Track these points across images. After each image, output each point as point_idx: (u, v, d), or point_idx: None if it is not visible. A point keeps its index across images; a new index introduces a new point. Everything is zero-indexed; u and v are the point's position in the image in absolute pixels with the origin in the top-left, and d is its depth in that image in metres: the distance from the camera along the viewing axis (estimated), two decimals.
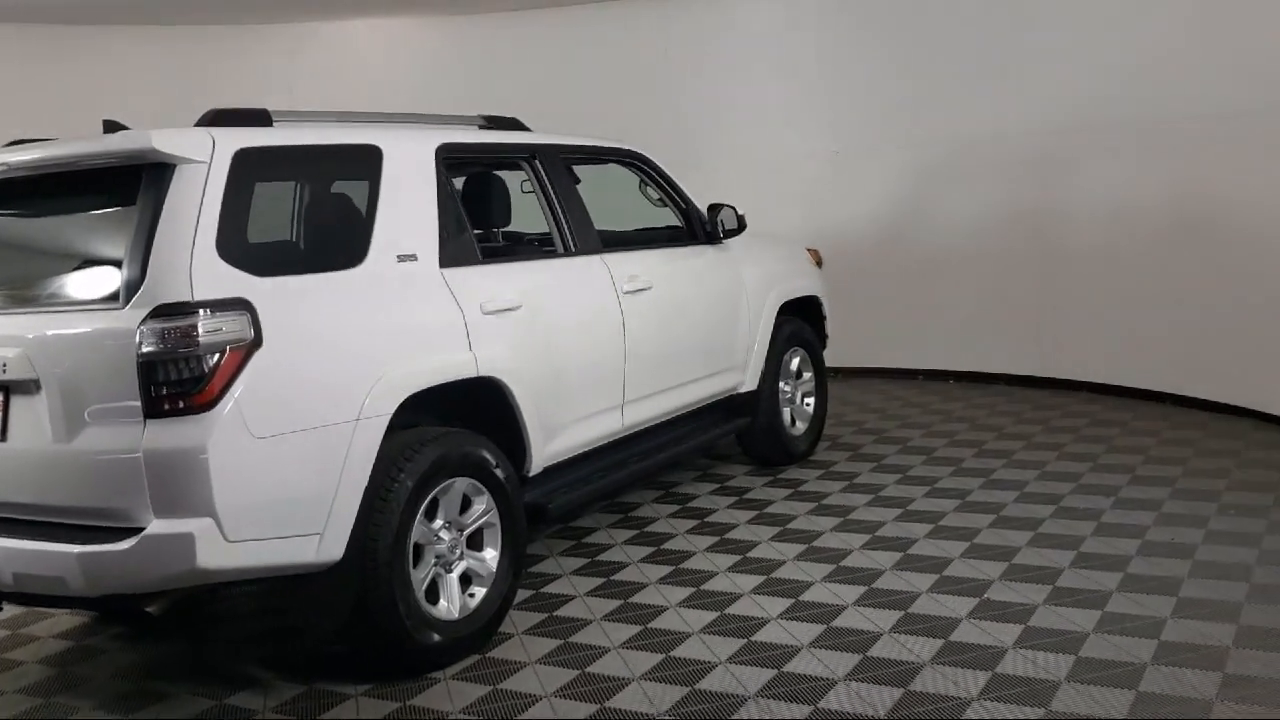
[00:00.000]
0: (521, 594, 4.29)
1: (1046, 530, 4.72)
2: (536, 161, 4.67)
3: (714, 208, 5.51)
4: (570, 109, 8.78)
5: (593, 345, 4.55)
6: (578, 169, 5.66)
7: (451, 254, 4.04)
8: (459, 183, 4.84)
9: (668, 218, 5.63)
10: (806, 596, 4.16)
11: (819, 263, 6.64)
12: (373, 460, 3.54)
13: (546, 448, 4.32)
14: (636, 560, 4.68)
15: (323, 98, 8.48)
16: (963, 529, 4.81)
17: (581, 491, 4.54)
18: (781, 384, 6.08)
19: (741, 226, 5.55)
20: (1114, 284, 7.23)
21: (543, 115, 8.66)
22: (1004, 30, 7.68)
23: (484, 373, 3.95)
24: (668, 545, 4.86)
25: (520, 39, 9.17)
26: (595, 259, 4.70)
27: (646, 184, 5.45)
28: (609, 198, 5.88)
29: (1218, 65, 6.44)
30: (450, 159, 4.22)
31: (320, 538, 3.44)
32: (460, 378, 3.87)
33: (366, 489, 3.53)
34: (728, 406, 5.74)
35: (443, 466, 3.76)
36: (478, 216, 4.60)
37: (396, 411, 3.62)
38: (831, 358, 8.69)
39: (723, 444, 6.07)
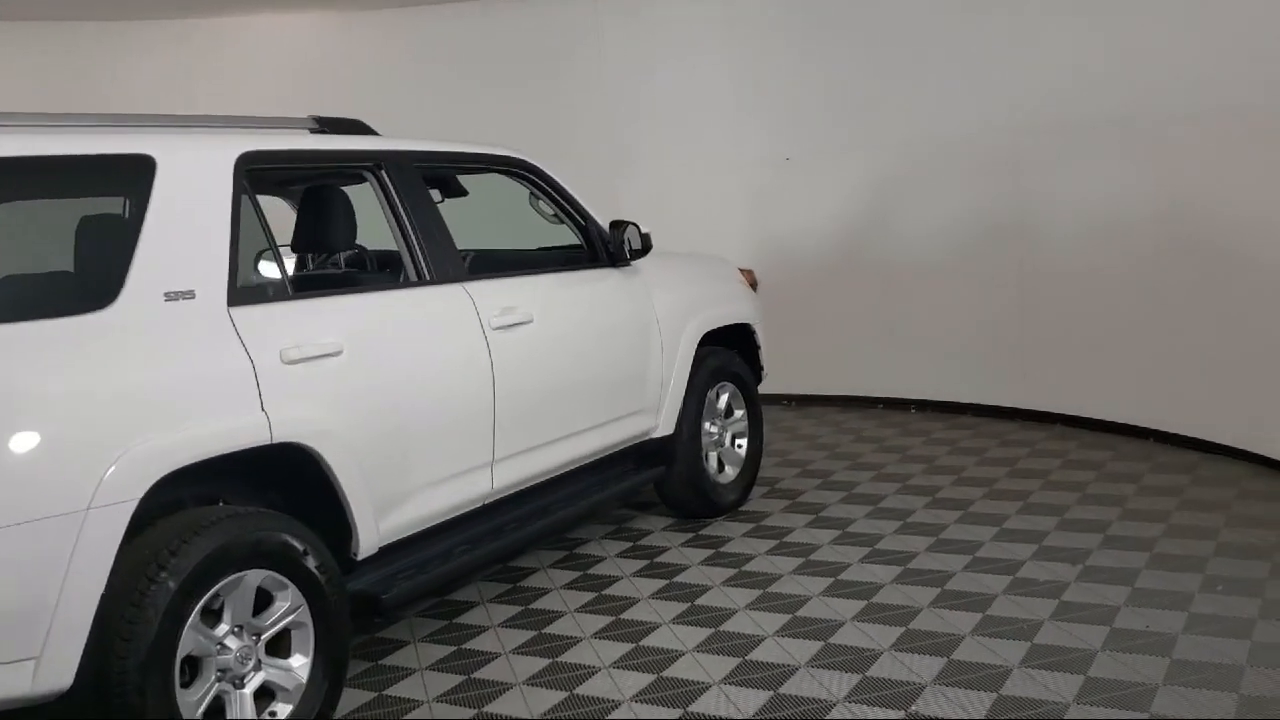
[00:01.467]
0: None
1: (997, 611, 3.94)
2: (382, 172, 3.89)
3: (617, 225, 4.74)
4: (492, 112, 8.02)
5: (447, 395, 3.77)
6: (467, 182, 4.93)
7: (247, 289, 3.27)
8: (290, 199, 4.08)
9: (571, 236, 4.87)
10: (700, 707, 3.39)
11: (754, 285, 5.87)
12: (110, 559, 2.76)
13: (383, 523, 3.54)
14: (506, 646, 3.91)
15: (222, 99, 7.72)
16: (897, 608, 4.03)
17: (434, 573, 3.75)
18: (707, 425, 5.31)
19: (646, 247, 4.77)
20: (1094, 305, 6.45)
21: (463, 118, 7.93)
22: (971, 19, 6.90)
23: (282, 438, 3.17)
24: (550, 629, 4.08)
25: (440, 35, 8.39)
26: (455, 289, 3.92)
27: (538, 197, 4.68)
28: (504, 215, 5.13)
29: (1216, 54, 5.64)
30: (257, 171, 3.45)
31: (37, 663, 2.67)
32: (246, 446, 3.09)
33: (104, 596, 2.76)
34: (639, 455, 4.97)
35: (223, 559, 2.98)
36: (307, 239, 3.85)
37: (176, 491, 2.92)
38: (784, 384, 7.99)
39: (645, 491, 5.30)
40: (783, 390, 8.00)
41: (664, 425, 4.96)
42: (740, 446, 5.54)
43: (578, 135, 8.21)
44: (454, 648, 3.98)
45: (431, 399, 3.69)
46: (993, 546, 4.62)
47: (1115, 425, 6.41)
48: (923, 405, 7.50)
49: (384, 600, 3.53)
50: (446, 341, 3.80)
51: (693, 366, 5.11)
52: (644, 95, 8.16)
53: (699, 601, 4.24)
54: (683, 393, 5.03)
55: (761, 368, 5.74)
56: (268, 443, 3.13)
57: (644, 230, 4.73)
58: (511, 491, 4.14)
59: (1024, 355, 6.92)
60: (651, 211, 7.99)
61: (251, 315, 3.20)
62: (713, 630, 3.96)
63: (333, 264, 4.48)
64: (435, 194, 4.91)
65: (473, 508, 3.97)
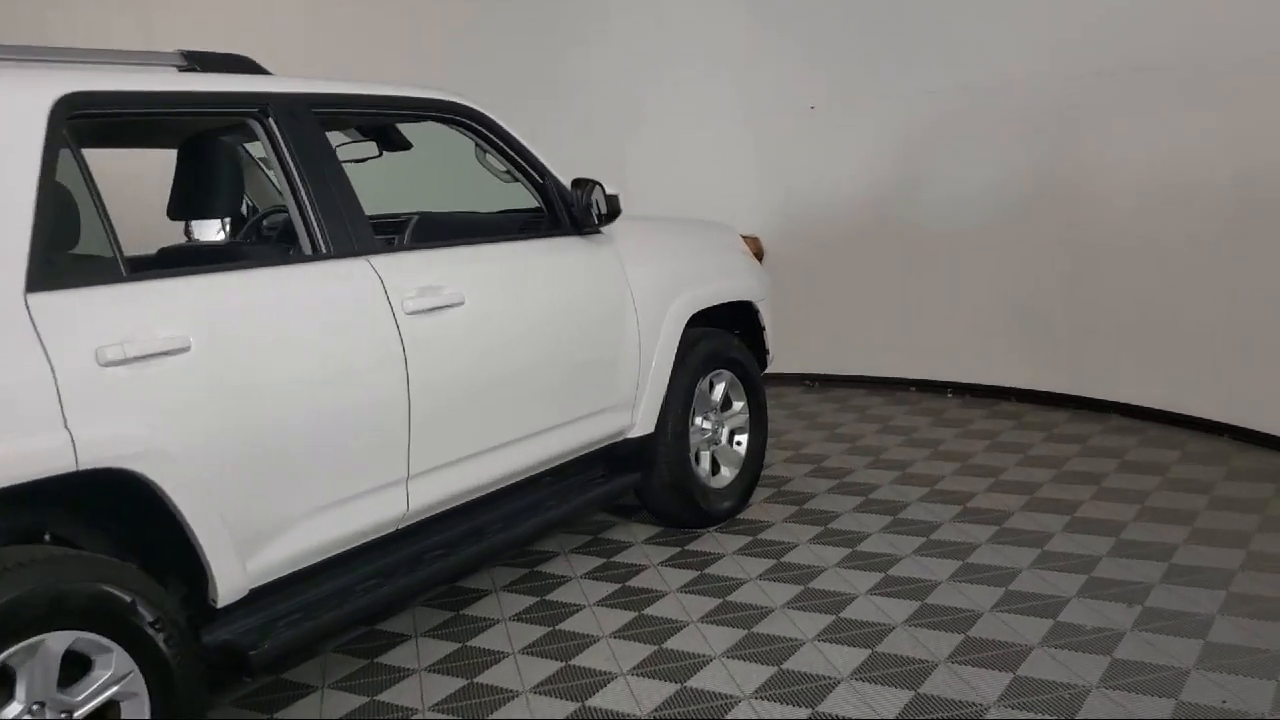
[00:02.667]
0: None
1: (1033, 672, 3.15)
2: (269, 120, 3.14)
3: (579, 184, 3.95)
4: (481, 63, 7.23)
5: (340, 398, 3.02)
6: (410, 132, 4.18)
7: (57, 269, 2.55)
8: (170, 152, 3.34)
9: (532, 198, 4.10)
10: None
11: (759, 255, 5.06)
12: None
13: (253, 561, 2.83)
14: (428, 700, 3.20)
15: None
16: (908, 661, 3.25)
17: (326, 617, 3.03)
18: (698, 421, 4.54)
19: (612, 211, 3.98)
20: (1157, 279, 5.56)
21: (446, 69, 7.07)
22: None
23: (94, 463, 2.45)
24: (487, 676, 3.36)
25: None
26: (357, 265, 3.17)
27: (485, 151, 3.91)
28: (472, 174, 4.37)
29: None
30: (85, 117, 2.72)
31: None
32: (37, 476, 2.38)
33: None
34: (612, 459, 4.21)
35: (9, 619, 2.29)
36: (180, 204, 3.13)
37: None
38: (806, 363, 7.18)
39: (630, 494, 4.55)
40: (804, 369, 7.20)
41: (642, 423, 4.20)
42: (739, 444, 4.76)
43: (581, 88, 7.40)
44: (367, 698, 3.28)
45: (318, 405, 2.96)
46: (1030, 576, 3.82)
47: (1183, 418, 5.53)
48: (961, 389, 6.66)
49: (252, 657, 2.82)
50: (341, 331, 3.05)
51: (679, 353, 4.33)
52: (654, 41, 7.31)
53: (668, 644, 3.50)
54: (665, 384, 4.26)
55: (767, 352, 4.95)
56: (72, 469, 2.42)
57: (609, 191, 3.93)
58: (437, 511, 3.41)
59: (1075, 335, 6.04)
60: (659, 173, 7.23)
61: (56, 304, 2.48)
62: (679, 686, 3.22)
63: (243, 235, 3.76)
64: (372, 148, 4.19)
65: (383, 533, 3.24)
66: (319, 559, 3.05)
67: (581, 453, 3.99)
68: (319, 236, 3.13)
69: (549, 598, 3.94)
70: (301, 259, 3.12)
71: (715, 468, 4.65)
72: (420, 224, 4.23)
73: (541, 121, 7.13)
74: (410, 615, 3.85)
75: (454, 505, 3.47)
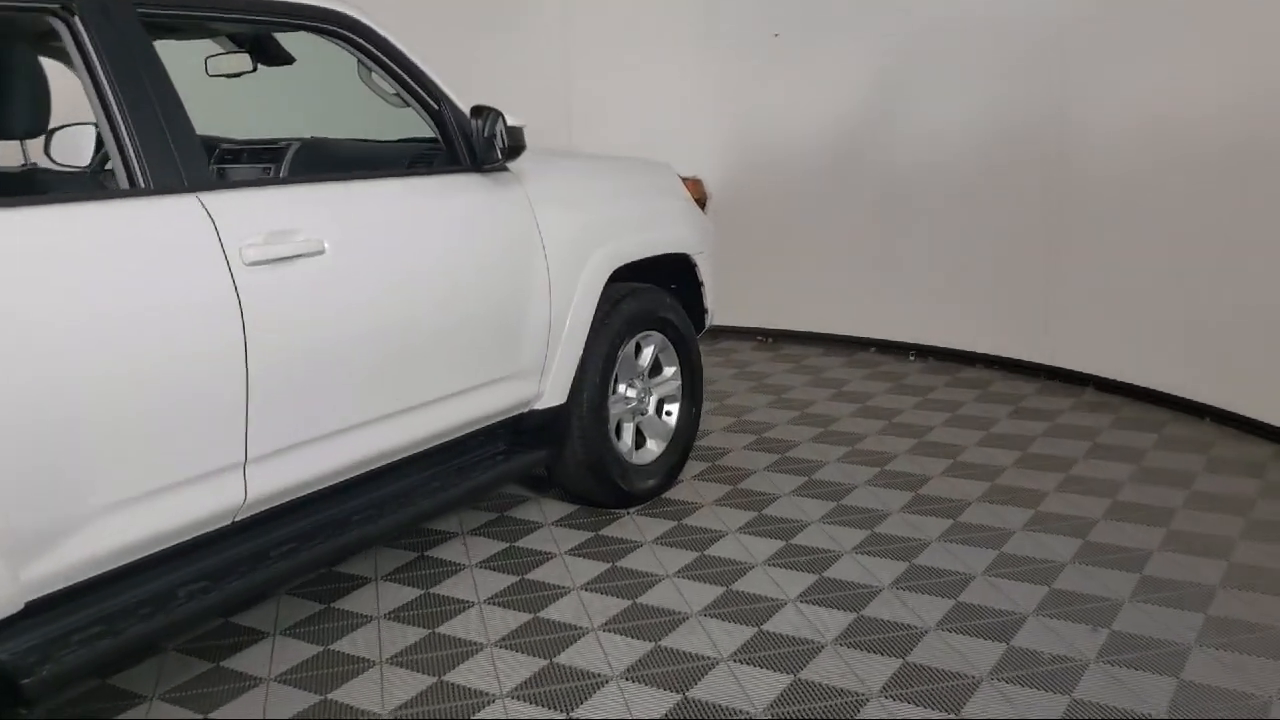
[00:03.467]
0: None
1: (986, 697, 2.68)
2: (78, 20, 2.53)
3: (479, 111, 3.36)
4: None
5: (152, 367, 2.47)
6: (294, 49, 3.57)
7: None
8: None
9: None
10: None
11: (702, 201, 4.50)
12: None
13: (28, 567, 2.29)
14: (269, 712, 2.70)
15: None
16: (837, 693, 2.77)
17: (130, 633, 2.49)
18: (621, 388, 4.02)
19: (516, 146, 3.39)
20: (1145, 240, 5.05)
21: None
22: None
23: None
24: (345, 692, 2.86)
25: None
26: (182, 204, 2.59)
27: (369, 69, 3.31)
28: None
29: None
30: None
31: None
32: None
33: None
34: (515, 433, 3.69)
35: None
36: None
37: None
38: (760, 317, 6.67)
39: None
40: (758, 323, 6.68)
41: (552, 393, 3.67)
42: (669, 415, 4.25)
43: (523, 11, 6.75)
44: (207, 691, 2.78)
45: (121, 377, 2.40)
46: (982, 585, 3.34)
47: (1163, 396, 5.06)
48: (925, 352, 6.16)
49: (25, 686, 2.29)
50: (154, 285, 2.48)
51: (599, 312, 3.79)
52: None
53: (560, 658, 3.00)
54: (581, 349, 3.73)
55: (706, 312, 4.41)
56: None
57: (511, 122, 3.35)
58: (287, 500, 2.88)
59: (1051, 300, 5.53)
60: (606, 109, 6.63)
61: None
62: (564, 718, 2.73)
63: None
64: (247, 61, 3.59)
65: (215, 528, 2.71)
66: (128, 561, 2.52)
67: (476, 428, 3.46)
68: (136, 168, 2.54)
69: (435, 590, 3.44)
70: (110, 194, 2.55)
71: (640, 441, 4.14)
72: (303, 153, 3.66)
73: (477, 52, 6.50)
74: (273, 606, 3.34)
75: (309, 492, 2.94)
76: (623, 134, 6.27)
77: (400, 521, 3.19)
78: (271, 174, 3.79)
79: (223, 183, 2.76)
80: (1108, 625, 3.06)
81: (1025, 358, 5.71)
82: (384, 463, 3.15)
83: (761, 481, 4.30)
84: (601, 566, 3.58)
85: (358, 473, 3.07)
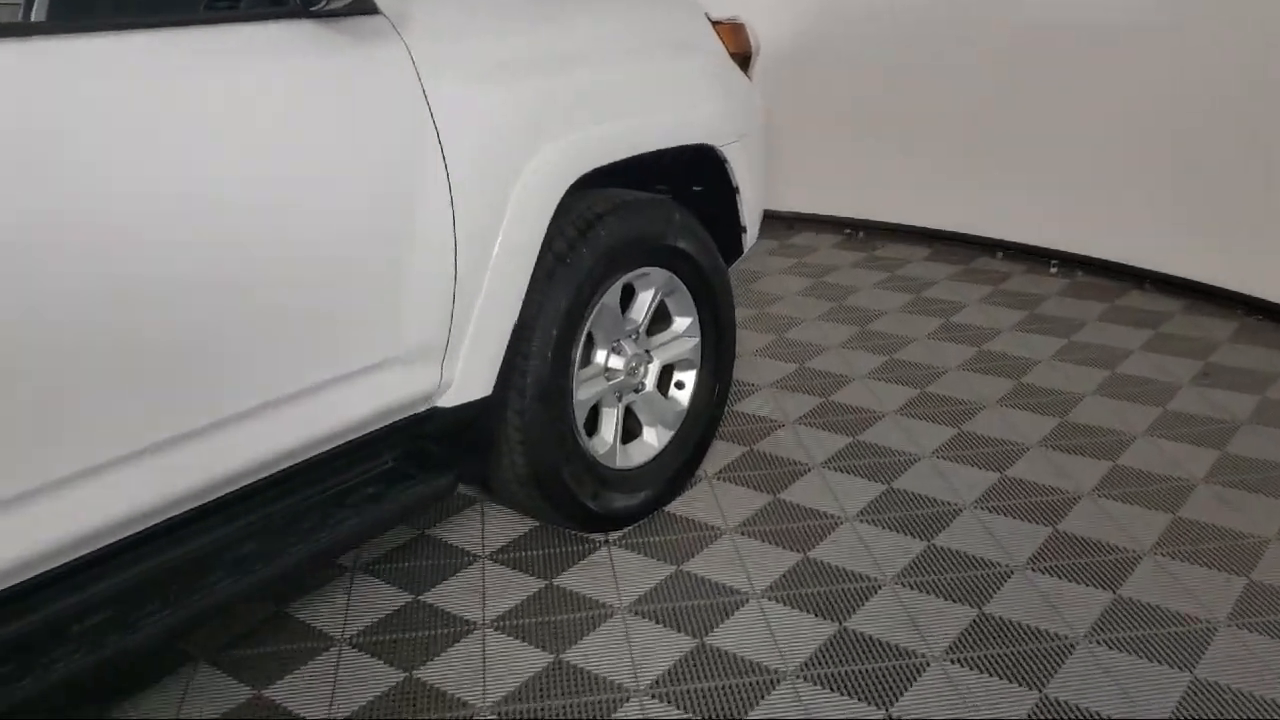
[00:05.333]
0: None
1: None
2: None
3: None
4: None
5: None
6: None
7: None
8: None
9: None
10: None
11: (744, 57, 2.94)
12: None
13: None
14: None
15: None
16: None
17: None
18: (600, 357, 2.60)
19: None
20: None
21: None
22: None
23: None
24: None
25: None
26: None
27: None
28: None
29: None
30: None
31: None
32: None
33: None
34: (413, 443, 2.31)
35: None
36: None
37: None
38: (853, 205, 5.11)
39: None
40: (846, 213, 5.13)
41: (466, 381, 2.26)
42: (681, 389, 2.83)
43: None
44: None
45: None
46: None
47: None
48: (1070, 263, 4.54)
49: None
50: None
51: (553, 243, 2.35)
52: None
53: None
54: (514, 307, 2.30)
55: (743, 230, 2.92)
56: None
57: None
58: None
59: (1250, 210, 3.86)
60: None
61: None
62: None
63: None
64: None
65: None
66: None
67: (326, 450, 2.09)
68: None
69: (267, 692, 2.16)
70: None
71: (629, 436, 2.75)
72: None
73: None
74: None
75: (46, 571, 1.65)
76: None
77: (175, 626, 1.88)
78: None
79: None
80: None
81: (1216, 281, 4.07)
82: (171, 515, 1.84)
83: (814, 489, 2.87)
84: (541, 660, 2.24)
85: (117, 539, 1.76)
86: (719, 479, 2.92)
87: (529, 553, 2.62)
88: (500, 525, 2.73)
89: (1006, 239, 4.70)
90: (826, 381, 3.52)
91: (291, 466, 2.04)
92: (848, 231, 5.13)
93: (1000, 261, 4.68)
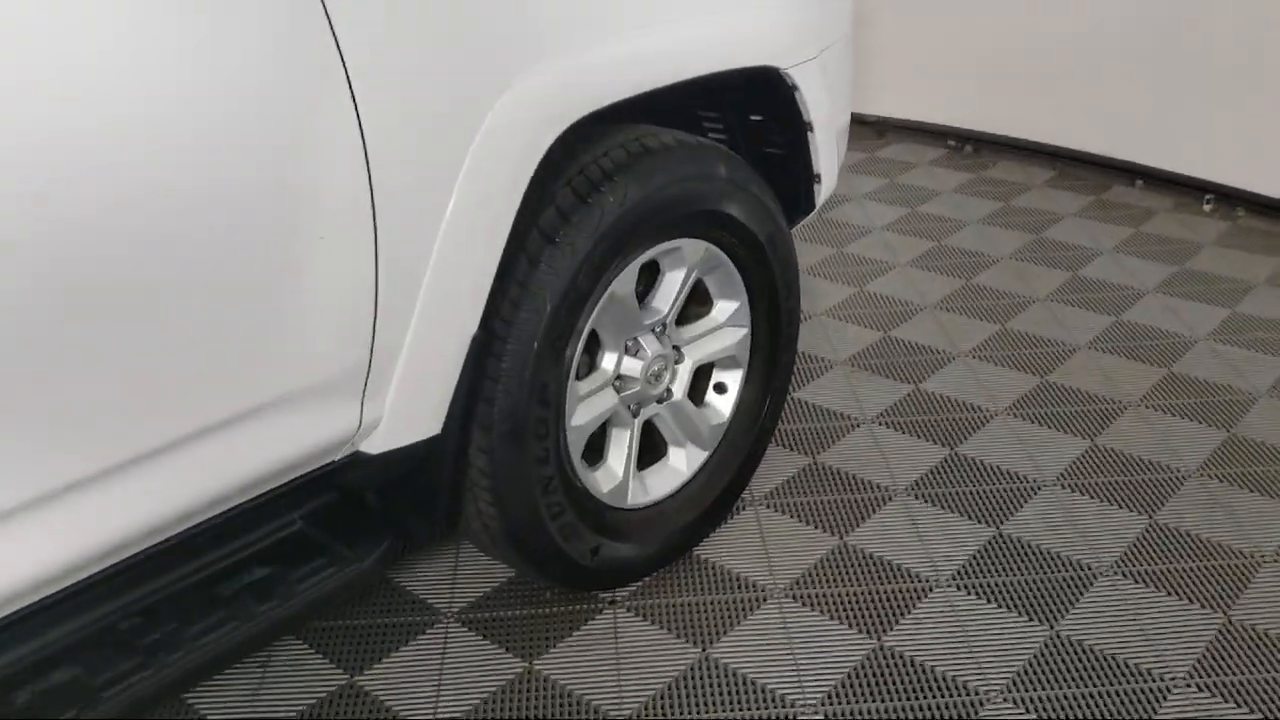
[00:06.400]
0: None
1: None
2: None
3: None
4: None
5: None
6: None
7: None
8: None
9: None
10: None
11: None
12: None
13: None
14: None
15: None
16: None
17: None
18: (608, 362, 1.88)
19: None
20: None
21: None
22: None
23: None
24: None
25: None
26: None
27: None
28: None
29: None
30: None
31: None
32: None
33: None
34: (322, 501, 1.65)
35: None
36: None
37: None
38: (960, 113, 4.26)
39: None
40: (952, 121, 4.28)
41: (404, 418, 1.57)
42: (722, 394, 2.12)
43: None
44: None
45: None
46: None
47: None
48: (1229, 199, 3.66)
49: None
50: None
51: (533, 215, 1.64)
52: None
53: None
54: (475, 312, 1.59)
55: (817, 178, 2.15)
56: None
57: None
58: None
59: None
60: None
61: None
62: None
63: None
64: None
65: None
66: None
67: (165, 537, 1.44)
68: None
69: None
70: None
71: (651, 453, 2.05)
72: None
73: None
74: None
75: None
76: None
77: None
78: None
79: None
80: None
81: None
82: None
83: (897, 522, 2.17)
84: None
85: None
86: (769, 507, 2.23)
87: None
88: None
89: (1148, 164, 3.82)
90: (918, 357, 2.77)
91: (116, 566, 1.40)
92: (952, 144, 4.27)
93: (1140, 192, 3.81)
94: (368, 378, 1.52)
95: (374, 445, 1.58)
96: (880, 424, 2.50)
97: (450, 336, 1.57)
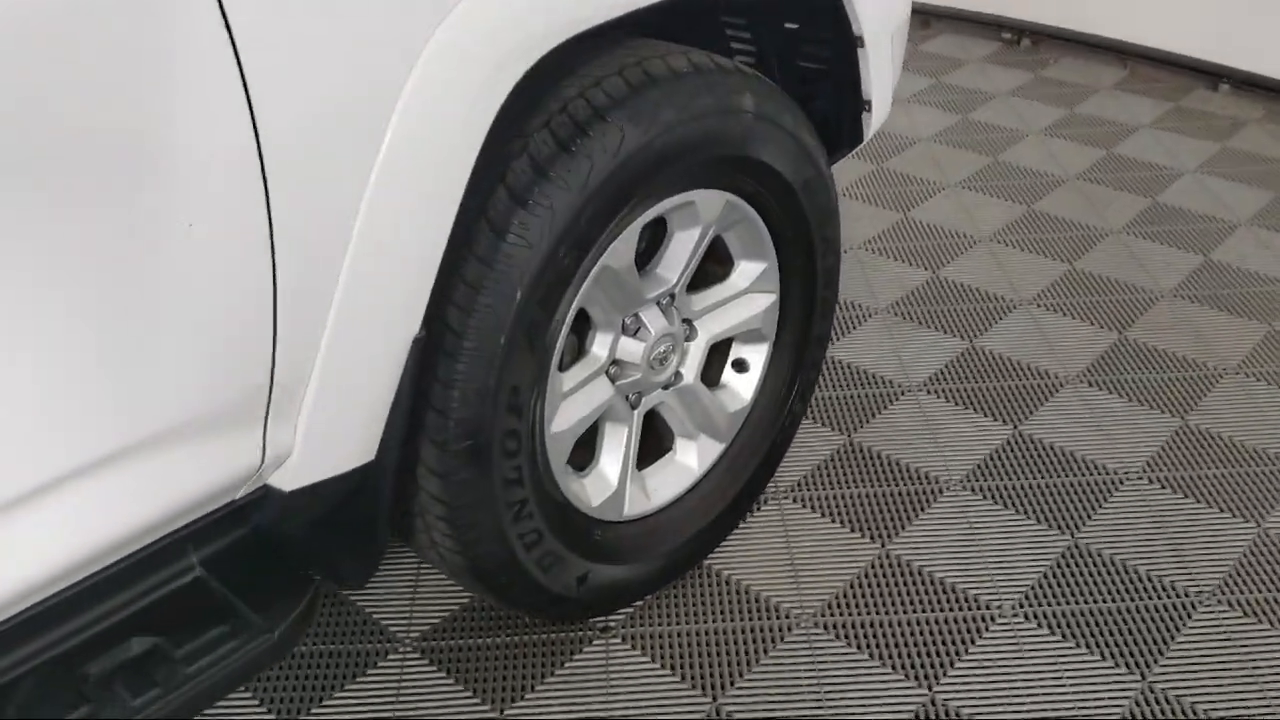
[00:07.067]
0: None
1: None
2: None
3: None
4: None
5: None
6: None
7: None
8: None
9: None
10: None
11: None
12: None
13: None
14: None
15: None
16: None
17: None
18: (599, 344, 1.48)
19: None
20: None
21: None
22: None
23: None
24: None
25: None
26: None
27: None
28: None
29: None
30: None
31: None
32: None
33: None
34: (242, 543, 1.28)
35: None
36: None
37: None
38: (1017, 3, 3.74)
39: None
40: (1008, 11, 3.78)
41: (322, 446, 1.19)
42: (744, 370, 1.72)
43: None
44: None
45: None
46: None
47: None
48: None
49: None
50: None
51: (505, 178, 1.23)
52: None
53: None
54: (416, 309, 1.19)
55: (866, 104, 1.71)
56: None
57: None
58: None
59: None
60: None
61: None
62: None
63: None
64: None
65: None
66: None
67: (39, 599, 1.08)
68: None
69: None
70: None
71: (652, 450, 1.67)
72: None
73: None
74: None
75: None
76: None
77: None
78: None
79: None
80: None
81: None
82: None
83: (949, 512, 1.80)
84: None
85: None
86: (794, 500, 1.86)
87: None
88: None
89: (1234, 65, 3.32)
90: (971, 304, 2.36)
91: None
92: (1007, 37, 3.76)
93: (1224, 98, 3.32)
94: (269, 402, 1.13)
95: (286, 481, 1.20)
96: (926, 391, 2.11)
97: (381, 342, 1.18)
